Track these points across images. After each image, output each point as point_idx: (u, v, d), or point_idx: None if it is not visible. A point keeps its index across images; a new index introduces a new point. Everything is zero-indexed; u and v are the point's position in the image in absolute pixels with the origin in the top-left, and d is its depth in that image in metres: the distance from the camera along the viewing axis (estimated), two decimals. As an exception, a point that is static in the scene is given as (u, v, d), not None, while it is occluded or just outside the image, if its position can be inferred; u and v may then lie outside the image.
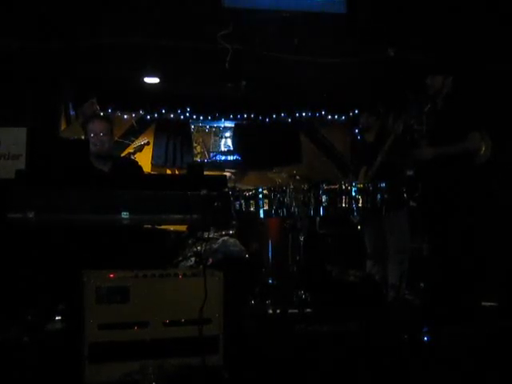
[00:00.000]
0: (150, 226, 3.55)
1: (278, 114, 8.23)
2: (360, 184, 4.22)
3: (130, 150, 6.50)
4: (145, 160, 7.49)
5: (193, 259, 4.57)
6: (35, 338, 2.94)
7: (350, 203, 4.12)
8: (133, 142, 7.04)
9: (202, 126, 8.44)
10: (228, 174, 6.74)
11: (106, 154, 3.97)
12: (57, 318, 3.12)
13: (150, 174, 6.62)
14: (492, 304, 4.34)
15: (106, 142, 3.94)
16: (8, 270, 3.10)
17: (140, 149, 6.39)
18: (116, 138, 6.63)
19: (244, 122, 8.26)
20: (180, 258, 4.62)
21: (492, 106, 6.06)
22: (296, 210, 4.26)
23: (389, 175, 4.47)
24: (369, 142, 5.00)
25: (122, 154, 6.55)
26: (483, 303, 4.32)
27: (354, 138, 8.30)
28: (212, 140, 8.52)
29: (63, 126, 6.84)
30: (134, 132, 7.78)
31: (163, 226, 4.38)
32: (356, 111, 8.22)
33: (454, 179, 4.19)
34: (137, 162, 4.34)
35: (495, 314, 4.22)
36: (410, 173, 4.97)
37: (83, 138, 4.56)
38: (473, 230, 4.25)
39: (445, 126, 4.27)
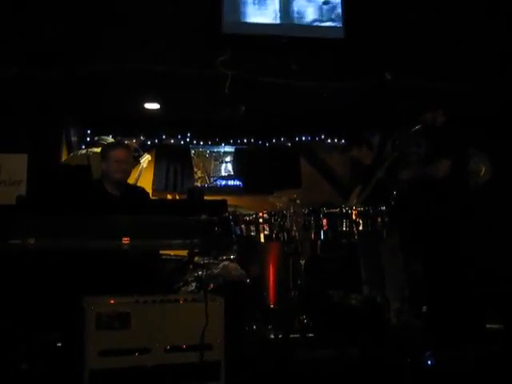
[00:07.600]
0: (150, 252, 3.54)
1: (278, 139, 8.27)
2: (361, 207, 4.22)
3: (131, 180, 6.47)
4: (146, 186, 7.47)
5: (194, 284, 4.55)
6: (34, 365, 2.91)
7: (350, 227, 4.11)
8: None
9: (202, 151, 8.47)
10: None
11: (124, 181, 4.13)
12: (57, 344, 3.09)
13: (151, 199, 6.60)
14: (498, 326, 4.30)
15: (128, 170, 4.12)
16: (7, 296, 3.09)
17: (139, 176, 6.35)
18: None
19: (244, 147, 8.29)
20: (181, 284, 4.60)
21: (492, 130, 6.13)
22: (296, 234, 4.25)
23: (382, 197, 4.46)
24: (366, 163, 5.03)
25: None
26: (488, 325, 4.28)
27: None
28: (212, 165, 8.54)
29: (64, 152, 6.86)
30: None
31: (164, 251, 4.40)
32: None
33: (445, 201, 4.24)
34: (145, 189, 4.39)
35: (500, 336, 4.18)
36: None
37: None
38: (472, 251, 4.26)
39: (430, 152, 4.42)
